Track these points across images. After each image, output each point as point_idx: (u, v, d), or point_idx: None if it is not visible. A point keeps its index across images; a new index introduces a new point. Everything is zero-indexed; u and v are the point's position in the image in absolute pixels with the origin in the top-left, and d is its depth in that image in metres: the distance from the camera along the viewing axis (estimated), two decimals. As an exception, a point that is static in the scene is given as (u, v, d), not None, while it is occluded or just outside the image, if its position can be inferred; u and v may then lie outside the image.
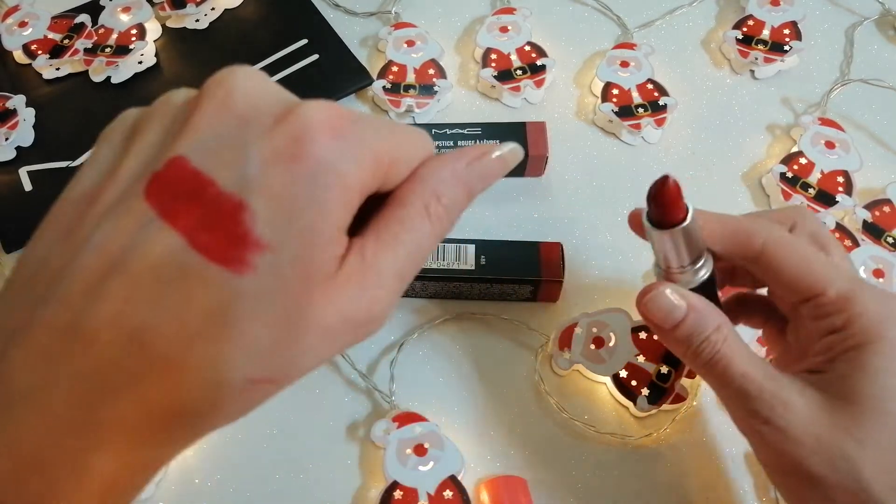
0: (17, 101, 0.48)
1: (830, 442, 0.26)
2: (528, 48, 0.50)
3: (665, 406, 0.37)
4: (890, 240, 0.41)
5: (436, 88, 0.48)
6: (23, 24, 0.51)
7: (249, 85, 0.20)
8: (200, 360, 0.18)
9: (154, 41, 0.51)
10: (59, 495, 0.17)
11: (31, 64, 0.50)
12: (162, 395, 0.18)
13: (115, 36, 0.50)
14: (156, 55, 0.50)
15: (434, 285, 0.40)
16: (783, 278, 0.29)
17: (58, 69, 0.49)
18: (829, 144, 0.44)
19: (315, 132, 0.19)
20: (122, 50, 0.49)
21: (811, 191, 0.43)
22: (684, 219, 0.28)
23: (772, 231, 0.29)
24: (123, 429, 0.18)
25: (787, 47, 0.49)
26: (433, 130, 0.44)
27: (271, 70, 0.48)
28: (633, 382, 0.38)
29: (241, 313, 0.18)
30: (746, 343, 0.29)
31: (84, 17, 0.51)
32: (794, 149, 0.45)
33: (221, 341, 0.18)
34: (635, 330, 0.38)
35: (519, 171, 0.44)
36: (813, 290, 0.28)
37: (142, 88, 0.49)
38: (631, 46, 0.49)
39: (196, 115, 0.20)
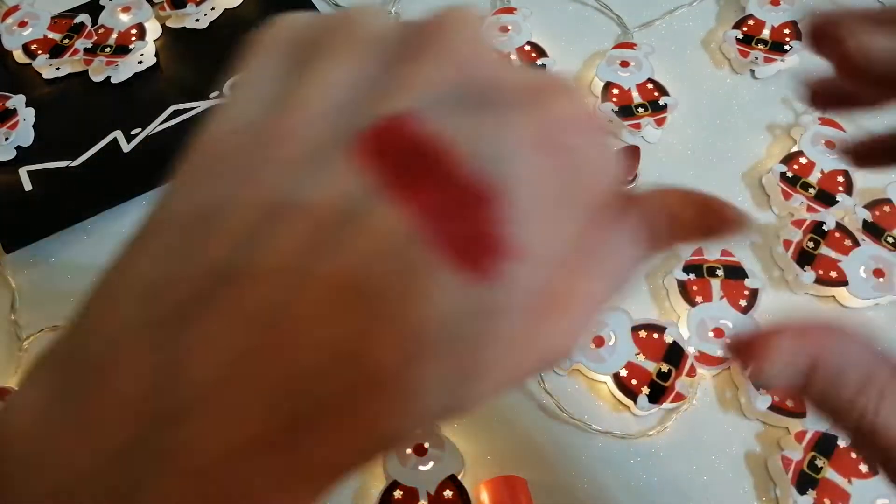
0: (17, 101, 0.48)
1: None
2: (528, 48, 0.50)
3: (665, 405, 0.37)
4: (890, 239, 0.41)
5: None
6: (23, 24, 0.51)
7: (484, 44, 0.16)
8: (408, 382, 0.13)
9: (154, 41, 0.51)
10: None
11: (31, 64, 0.49)
12: (362, 422, 0.13)
13: (114, 36, 0.50)
14: (156, 55, 0.50)
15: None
16: None
17: (58, 69, 0.49)
18: (830, 144, 0.44)
19: (578, 123, 0.15)
20: (122, 50, 0.49)
21: (811, 190, 0.43)
22: None
23: None
24: (318, 467, 0.13)
25: (787, 47, 0.49)
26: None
27: (271, 70, 0.48)
28: (634, 381, 0.38)
29: (469, 332, 0.13)
30: None
31: (84, 17, 0.51)
32: (795, 148, 0.45)
33: (439, 363, 0.13)
34: (635, 329, 0.38)
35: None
36: None
37: (142, 88, 0.48)
38: (631, 46, 0.49)
39: (425, 61, 0.15)
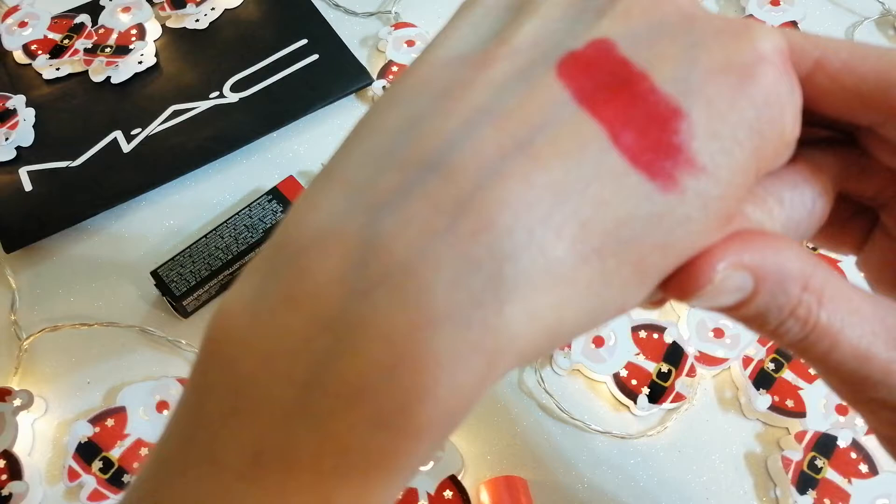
0: (17, 101, 0.48)
1: None
2: (528, 48, 0.50)
3: (665, 405, 0.37)
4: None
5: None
6: (23, 24, 0.51)
7: None
8: (592, 285, 0.15)
9: (154, 41, 0.51)
10: (434, 391, 0.14)
11: (31, 64, 0.50)
12: (545, 308, 0.15)
13: (115, 36, 0.50)
14: (156, 55, 0.50)
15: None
16: None
17: (58, 69, 0.49)
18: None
19: (773, 56, 0.16)
20: (122, 50, 0.49)
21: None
22: None
23: None
24: (505, 340, 0.14)
25: (787, 47, 0.49)
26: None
27: (271, 70, 0.48)
28: (634, 381, 0.38)
29: (650, 248, 0.15)
30: (849, 284, 0.17)
31: (84, 17, 0.51)
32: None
33: (625, 277, 0.15)
34: (635, 329, 0.38)
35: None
36: None
37: (142, 88, 0.48)
38: (631, 46, 0.49)
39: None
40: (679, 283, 0.16)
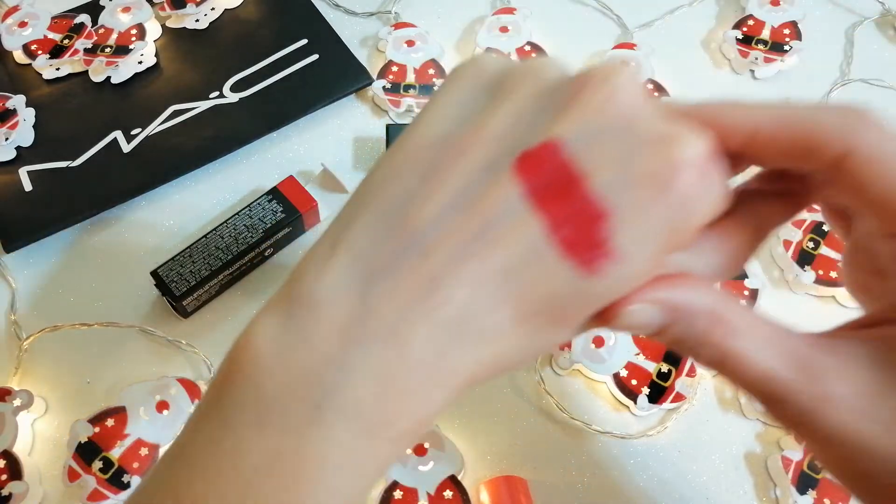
0: (17, 101, 0.48)
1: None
2: (528, 48, 0.50)
3: (665, 405, 0.37)
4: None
5: (436, 88, 0.48)
6: (23, 24, 0.51)
7: (634, 90, 0.20)
8: (523, 338, 0.20)
9: (154, 41, 0.51)
10: (410, 410, 0.20)
11: (31, 64, 0.50)
12: (488, 356, 0.20)
13: (115, 36, 0.50)
14: (156, 55, 0.50)
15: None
16: (871, 199, 0.20)
17: (58, 69, 0.49)
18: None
19: (690, 168, 0.19)
20: (122, 50, 0.49)
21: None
22: None
23: (858, 129, 0.20)
24: (461, 377, 0.20)
25: (787, 47, 0.49)
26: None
27: (271, 70, 0.48)
28: (634, 381, 0.38)
29: (571, 312, 0.20)
30: (758, 316, 0.21)
31: (84, 17, 0.51)
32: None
33: (554, 326, 0.20)
34: (635, 329, 0.38)
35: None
36: None
37: (142, 88, 0.49)
38: (631, 46, 0.49)
39: (581, 101, 0.20)
40: (599, 317, 0.20)
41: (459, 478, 0.35)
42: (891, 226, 0.21)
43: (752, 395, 0.21)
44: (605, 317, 0.21)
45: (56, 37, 0.51)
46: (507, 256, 0.19)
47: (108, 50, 0.49)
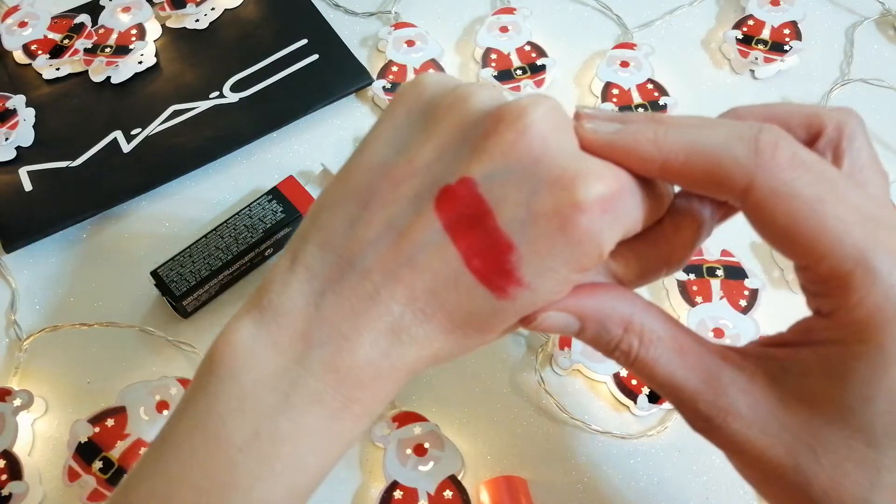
0: (17, 101, 0.48)
1: (787, 454, 0.22)
2: (528, 48, 0.50)
3: (665, 405, 0.37)
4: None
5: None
6: (23, 24, 0.51)
7: (547, 127, 0.22)
8: (454, 342, 0.24)
9: (154, 41, 0.51)
10: (365, 397, 0.23)
11: (31, 64, 0.50)
12: (426, 355, 0.23)
13: (114, 36, 0.50)
14: (156, 55, 0.50)
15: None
16: (773, 233, 0.21)
17: (58, 69, 0.49)
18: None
19: (592, 206, 0.21)
20: (122, 50, 0.49)
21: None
22: None
23: (761, 163, 0.20)
24: (404, 370, 0.23)
25: (787, 47, 0.49)
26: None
27: (271, 70, 0.48)
28: (634, 381, 0.38)
29: (493, 324, 0.23)
30: (675, 327, 0.24)
31: (84, 17, 0.51)
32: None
33: (480, 334, 0.24)
34: (635, 329, 0.38)
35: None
36: (807, 256, 0.21)
37: (142, 88, 0.49)
38: (631, 46, 0.49)
39: (492, 142, 0.22)
40: (522, 321, 0.23)
41: (459, 478, 0.35)
42: (797, 259, 0.21)
43: (664, 397, 0.24)
44: (525, 322, 0.24)
45: (56, 37, 0.51)
46: (431, 280, 0.22)
47: (108, 50, 0.49)
